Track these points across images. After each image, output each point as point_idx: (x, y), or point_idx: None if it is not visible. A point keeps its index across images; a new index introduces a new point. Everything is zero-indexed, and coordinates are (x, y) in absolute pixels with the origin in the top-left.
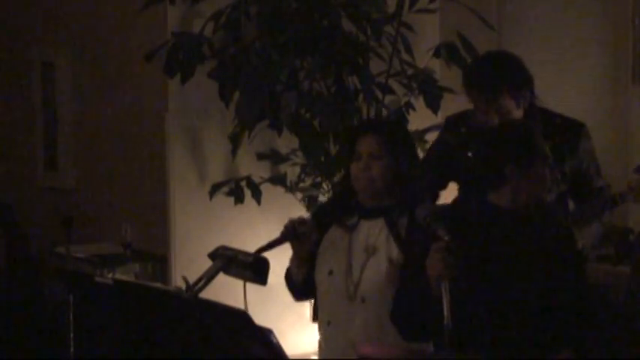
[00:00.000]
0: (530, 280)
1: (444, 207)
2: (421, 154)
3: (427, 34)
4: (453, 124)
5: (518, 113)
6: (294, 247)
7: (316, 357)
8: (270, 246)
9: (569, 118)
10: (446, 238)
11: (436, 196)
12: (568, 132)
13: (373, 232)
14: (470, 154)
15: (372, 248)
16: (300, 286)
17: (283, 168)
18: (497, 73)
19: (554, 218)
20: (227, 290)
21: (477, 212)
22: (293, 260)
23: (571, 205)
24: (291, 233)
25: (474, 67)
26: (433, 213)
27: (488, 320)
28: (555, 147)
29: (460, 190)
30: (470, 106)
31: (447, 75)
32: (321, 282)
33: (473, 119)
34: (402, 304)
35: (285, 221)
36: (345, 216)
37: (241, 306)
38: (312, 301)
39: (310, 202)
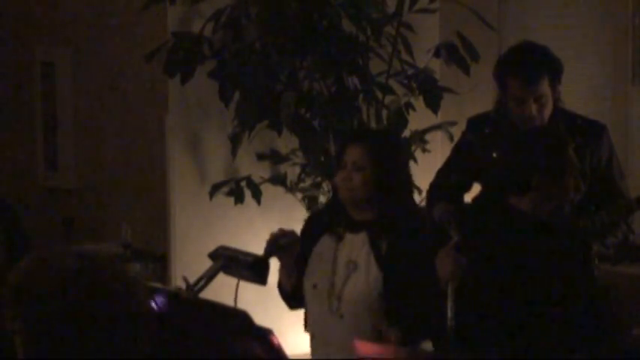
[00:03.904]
0: (542, 284)
1: (459, 207)
2: (420, 155)
3: (427, 34)
4: (475, 124)
5: (549, 107)
6: (279, 259)
7: None
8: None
9: (590, 120)
10: (456, 238)
11: (460, 198)
12: (590, 133)
13: (356, 246)
14: (494, 155)
15: (354, 264)
16: (291, 295)
17: (283, 168)
18: (539, 59)
19: (572, 225)
20: (227, 290)
21: (496, 213)
22: (281, 271)
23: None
24: (274, 247)
25: (513, 55)
26: (447, 213)
27: (497, 321)
28: (577, 148)
29: (482, 191)
30: (489, 106)
31: (447, 75)
32: (307, 294)
33: (498, 118)
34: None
35: (285, 221)
36: (335, 224)
37: (241, 306)
38: (304, 311)
39: (310, 202)
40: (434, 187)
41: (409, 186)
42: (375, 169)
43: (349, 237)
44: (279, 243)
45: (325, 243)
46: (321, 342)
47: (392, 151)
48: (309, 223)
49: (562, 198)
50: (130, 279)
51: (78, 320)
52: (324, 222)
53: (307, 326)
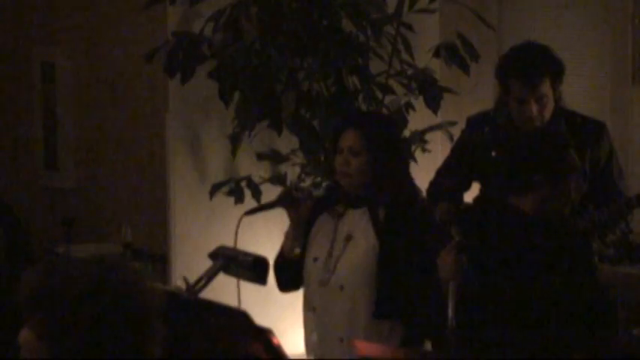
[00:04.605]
0: (542, 284)
1: (461, 207)
2: (420, 155)
3: (427, 34)
4: (475, 123)
5: (550, 108)
6: (289, 214)
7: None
8: (264, 207)
9: (589, 118)
10: (457, 238)
11: (460, 197)
12: (589, 132)
13: (355, 220)
14: (493, 154)
15: (350, 236)
16: (291, 267)
17: (283, 168)
18: (541, 59)
19: (572, 224)
20: (227, 290)
21: (496, 213)
22: (287, 234)
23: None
24: (288, 197)
25: (515, 55)
26: (448, 213)
27: (498, 321)
28: (576, 147)
29: (482, 190)
30: (489, 106)
31: (447, 75)
32: (307, 268)
33: (498, 118)
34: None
35: (285, 221)
36: (335, 204)
37: (241, 306)
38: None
39: None
40: (433, 186)
41: (406, 166)
42: (371, 152)
43: (350, 212)
44: (292, 194)
45: (325, 219)
46: (324, 314)
47: (386, 134)
48: (311, 209)
49: (563, 199)
50: (149, 285)
51: (101, 325)
52: (324, 203)
53: (307, 302)
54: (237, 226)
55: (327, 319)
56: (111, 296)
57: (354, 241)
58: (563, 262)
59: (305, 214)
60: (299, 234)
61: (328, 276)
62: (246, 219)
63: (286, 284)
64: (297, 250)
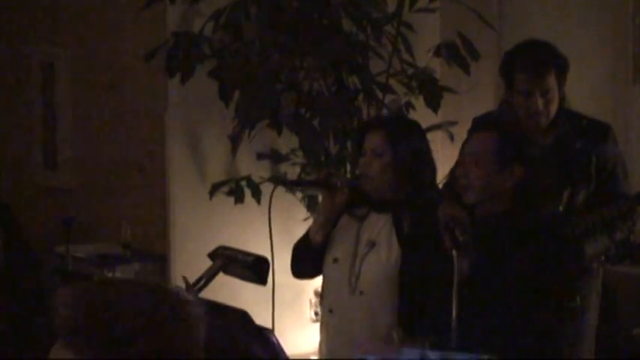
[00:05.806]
0: (529, 289)
1: (464, 207)
2: None
3: (427, 34)
4: (481, 124)
5: (555, 104)
6: (323, 198)
7: (316, 357)
8: (301, 184)
9: (595, 120)
10: (461, 239)
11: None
12: (595, 134)
13: (378, 225)
14: None
15: (374, 242)
16: (313, 252)
17: (283, 168)
18: (546, 53)
19: (554, 226)
20: (227, 290)
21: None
22: (316, 220)
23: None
24: (327, 181)
25: (520, 49)
26: (451, 212)
27: (494, 321)
28: (582, 149)
29: None
30: (489, 106)
31: (447, 75)
32: (326, 269)
33: (502, 118)
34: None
35: (285, 221)
36: (356, 206)
37: (241, 306)
38: (321, 285)
39: (310, 202)
40: (444, 186)
41: (430, 170)
42: (395, 153)
43: (374, 216)
44: (332, 179)
45: (346, 220)
46: (340, 317)
47: (410, 136)
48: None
49: (460, 184)
50: (197, 316)
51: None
52: (346, 204)
53: (324, 301)
54: (270, 200)
55: (344, 323)
56: (160, 335)
57: (377, 249)
58: (544, 264)
59: (340, 201)
60: (329, 221)
61: (354, 280)
62: (246, 219)
63: (302, 271)
64: (320, 240)
